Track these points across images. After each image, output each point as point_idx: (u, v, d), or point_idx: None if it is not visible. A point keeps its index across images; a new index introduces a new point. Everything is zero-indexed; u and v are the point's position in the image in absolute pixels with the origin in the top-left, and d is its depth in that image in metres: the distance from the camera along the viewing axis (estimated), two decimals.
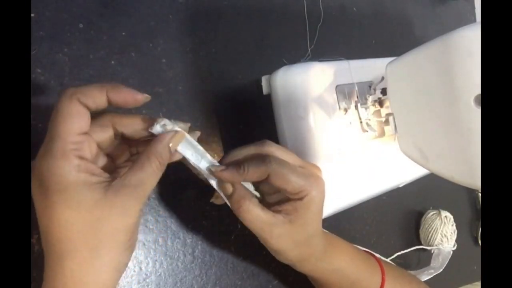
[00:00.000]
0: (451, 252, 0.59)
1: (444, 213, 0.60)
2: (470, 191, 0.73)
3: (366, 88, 0.40)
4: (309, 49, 0.51)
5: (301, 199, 0.32)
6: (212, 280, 0.41)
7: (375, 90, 0.39)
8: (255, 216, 0.32)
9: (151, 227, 0.38)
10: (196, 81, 0.42)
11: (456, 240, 0.60)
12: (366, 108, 0.40)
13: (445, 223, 0.59)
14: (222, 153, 0.43)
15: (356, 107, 0.40)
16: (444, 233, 0.59)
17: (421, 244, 0.59)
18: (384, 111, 0.39)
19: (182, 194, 0.40)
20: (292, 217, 0.32)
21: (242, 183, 0.33)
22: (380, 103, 0.39)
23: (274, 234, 0.32)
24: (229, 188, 0.32)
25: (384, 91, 0.40)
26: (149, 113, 0.39)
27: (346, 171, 0.41)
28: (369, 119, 0.40)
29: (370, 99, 0.39)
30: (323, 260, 0.37)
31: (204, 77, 0.43)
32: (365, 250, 0.44)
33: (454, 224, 0.60)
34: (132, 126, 0.30)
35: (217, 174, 0.32)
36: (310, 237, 0.34)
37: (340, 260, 0.38)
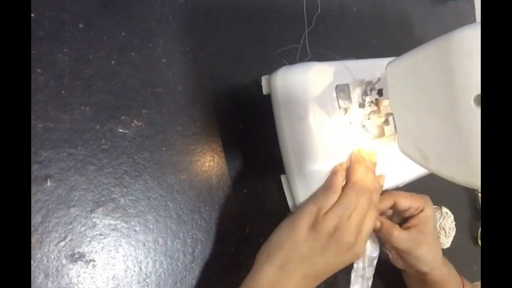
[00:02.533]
0: (445, 249, 0.59)
1: (445, 209, 0.60)
2: (470, 191, 0.73)
3: (363, 88, 0.40)
4: (308, 49, 0.51)
5: (422, 210, 0.43)
6: (212, 280, 0.41)
7: (371, 91, 0.39)
8: (402, 237, 0.42)
9: (151, 227, 0.38)
10: (196, 81, 0.42)
11: (456, 240, 0.60)
12: (363, 109, 0.40)
13: (445, 217, 0.59)
14: (222, 153, 0.43)
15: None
16: (442, 226, 0.59)
17: None
18: (382, 111, 0.39)
19: (182, 194, 0.40)
20: (421, 227, 0.43)
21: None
22: (377, 103, 0.39)
23: (416, 244, 0.43)
24: (378, 224, 0.42)
25: (380, 92, 0.40)
26: (149, 113, 0.39)
27: None
28: (366, 119, 0.40)
29: (367, 99, 0.39)
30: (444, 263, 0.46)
31: (204, 77, 0.43)
32: None
33: (454, 222, 0.61)
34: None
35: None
36: (435, 240, 0.45)
37: (447, 264, 0.47)
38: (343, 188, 0.37)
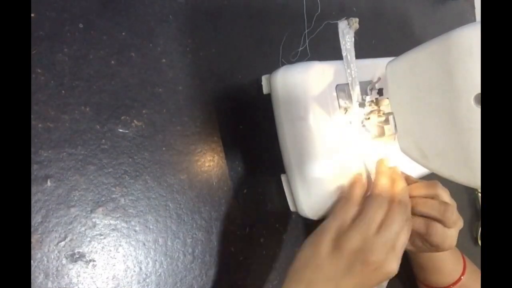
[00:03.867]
0: None
1: None
2: (470, 191, 0.73)
3: (364, 87, 0.40)
4: (308, 49, 0.51)
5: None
6: (212, 280, 0.41)
7: (371, 90, 0.39)
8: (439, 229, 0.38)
9: (151, 227, 0.38)
10: (196, 81, 0.42)
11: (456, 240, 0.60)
12: (363, 108, 0.40)
13: None
14: (222, 153, 0.43)
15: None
16: None
17: None
18: (382, 110, 0.39)
19: (182, 194, 0.40)
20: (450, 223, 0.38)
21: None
22: (377, 103, 0.39)
23: (444, 238, 0.39)
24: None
25: (380, 91, 0.40)
26: (149, 113, 0.39)
27: (346, 171, 0.41)
28: (366, 119, 0.40)
29: (367, 99, 0.39)
30: None
31: (204, 77, 0.43)
32: None
33: None
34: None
35: None
36: (451, 246, 0.40)
37: None
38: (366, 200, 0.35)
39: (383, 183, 0.36)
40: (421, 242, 0.40)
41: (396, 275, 0.38)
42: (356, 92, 0.39)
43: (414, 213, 0.38)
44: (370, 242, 0.32)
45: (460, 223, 0.39)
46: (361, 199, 0.36)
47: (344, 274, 0.32)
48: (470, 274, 0.48)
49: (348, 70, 0.37)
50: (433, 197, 0.39)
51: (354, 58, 0.37)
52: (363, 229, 0.32)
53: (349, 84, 0.38)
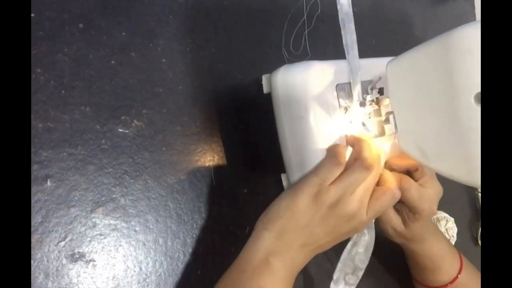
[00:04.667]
0: None
1: (444, 214, 0.60)
2: (470, 191, 0.73)
3: (364, 87, 0.40)
4: (308, 49, 0.51)
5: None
6: (212, 280, 0.41)
7: (371, 89, 0.39)
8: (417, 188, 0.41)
9: (151, 227, 0.38)
10: (196, 81, 0.42)
11: (456, 240, 0.60)
12: (364, 108, 0.40)
13: (447, 221, 0.59)
14: (222, 153, 0.43)
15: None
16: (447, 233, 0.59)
17: None
18: (382, 110, 0.39)
19: (182, 194, 0.40)
20: (422, 182, 0.42)
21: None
22: (378, 102, 0.39)
23: (420, 195, 0.41)
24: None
25: (381, 91, 0.40)
26: (149, 113, 0.39)
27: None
28: (366, 118, 0.40)
29: (367, 98, 0.39)
30: (435, 237, 0.47)
31: (204, 77, 0.43)
32: None
33: (453, 229, 0.60)
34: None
35: None
36: (431, 210, 0.42)
37: (442, 241, 0.48)
38: (351, 162, 0.37)
39: (368, 149, 0.37)
40: (404, 212, 0.43)
41: (392, 272, 0.39)
42: (356, 89, 0.39)
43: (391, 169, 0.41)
44: (347, 198, 0.35)
45: (437, 187, 0.42)
46: (345, 160, 0.37)
47: (318, 223, 0.35)
48: (467, 272, 0.48)
49: (344, 41, 0.38)
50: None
51: (352, 22, 0.37)
52: (344, 188, 0.35)
53: (346, 52, 0.38)
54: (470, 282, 0.48)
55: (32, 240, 0.32)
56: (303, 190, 0.35)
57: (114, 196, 0.36)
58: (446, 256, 0.47)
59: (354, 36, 0.38)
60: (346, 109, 0.40)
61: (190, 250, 0.40)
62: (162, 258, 0.38)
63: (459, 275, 0.47)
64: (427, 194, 0.41)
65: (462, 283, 0.47)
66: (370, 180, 0.36)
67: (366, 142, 0.37)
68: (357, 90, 0.39)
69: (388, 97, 0.37)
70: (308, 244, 0.36)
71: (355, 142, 0.38)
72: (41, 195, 0.33)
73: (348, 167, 0.36)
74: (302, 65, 0.39)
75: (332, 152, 0.37)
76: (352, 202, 0.35)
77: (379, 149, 0.39)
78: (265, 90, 0.42)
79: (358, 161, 0.36)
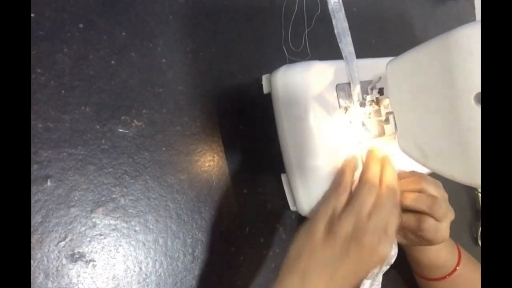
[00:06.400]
0: None
1: None
2: (470, 191, 0.73)
3: (364, 87, 0.40)
4: (308, 49, 0.51)
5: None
6: (212, 280, 0.41)
7: (371, 90, 0.39)
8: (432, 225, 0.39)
9: (151, 227, 0.38)
10: (196, 81, 0.42)
11: (456, 240, 0.60)
12: (364, 108, 0.40)
13: None
14: (222, 153, 0.43)
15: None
16: None
17: None
18: (382, 110, 0.39)
19: (182, 194, 0.40)
20: (439, 216, 0.38)
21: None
22: (378, 102, 0.39)
23: (436, 231, 0.39)
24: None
25: (381, 91, 0.40)
26: (149, 113, 0.39)
27: None
28: (366, 118, 0.40)
29: (367, 98, 0.39)
30: None
31: (204, 77, 0.43)
32: None
33: None
34: None
35: None
36: (444, 239, 0.40)
37: None
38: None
39: (373, 169, 0.36)
40: (414, 236, 0.40)
41: (392, 266, 0.38)
42: (356, 90, 0.39)
43: (404, 208, 0.38)
44: (362, 226, 0.33)
45: (450, 215, 0.39)
46: (352, 184, 0.36)
47: (339, 259, 0.32)
48: (466, 264, 0.48)
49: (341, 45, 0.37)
50: (420, 191, 0.39)
51: (342, 11, 0.37)
52: (355, 213, 0.33)
53: (345, 63, 0.37)
54: (468, 273, 0.48)
55: (32, 240, 0.32)
56: (316, 225, 0.34)
57: (114, 196, 0.36)
58: (443, 250, 0.47)
59: (346, 24, 0.38)
60: (346, 109, 0.40)
61: (190, 250, 0.40)
62: (162, 258, 0.38)
63: (457, 267, 0.47)
64: (443, 229, 0.39)
65: (461, 275, 0.47)
66: (385, 201, 0.34)
67: (372, 160, 0.37)
68: (355, 82, 0.38)
69: (388, 97, 0.37)
70: (332, 283, 0.32)
71: (356, 165, 0.38)
72: (41, 195, 0.33)
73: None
74: (302, 65, 0.39)
75: (335, 181, 0.37)
76: (369, 228, 0.33)
77: (384, 158, 0.38)
78: (265, 90, 0.42)
79: (359, 182, 0.35)
